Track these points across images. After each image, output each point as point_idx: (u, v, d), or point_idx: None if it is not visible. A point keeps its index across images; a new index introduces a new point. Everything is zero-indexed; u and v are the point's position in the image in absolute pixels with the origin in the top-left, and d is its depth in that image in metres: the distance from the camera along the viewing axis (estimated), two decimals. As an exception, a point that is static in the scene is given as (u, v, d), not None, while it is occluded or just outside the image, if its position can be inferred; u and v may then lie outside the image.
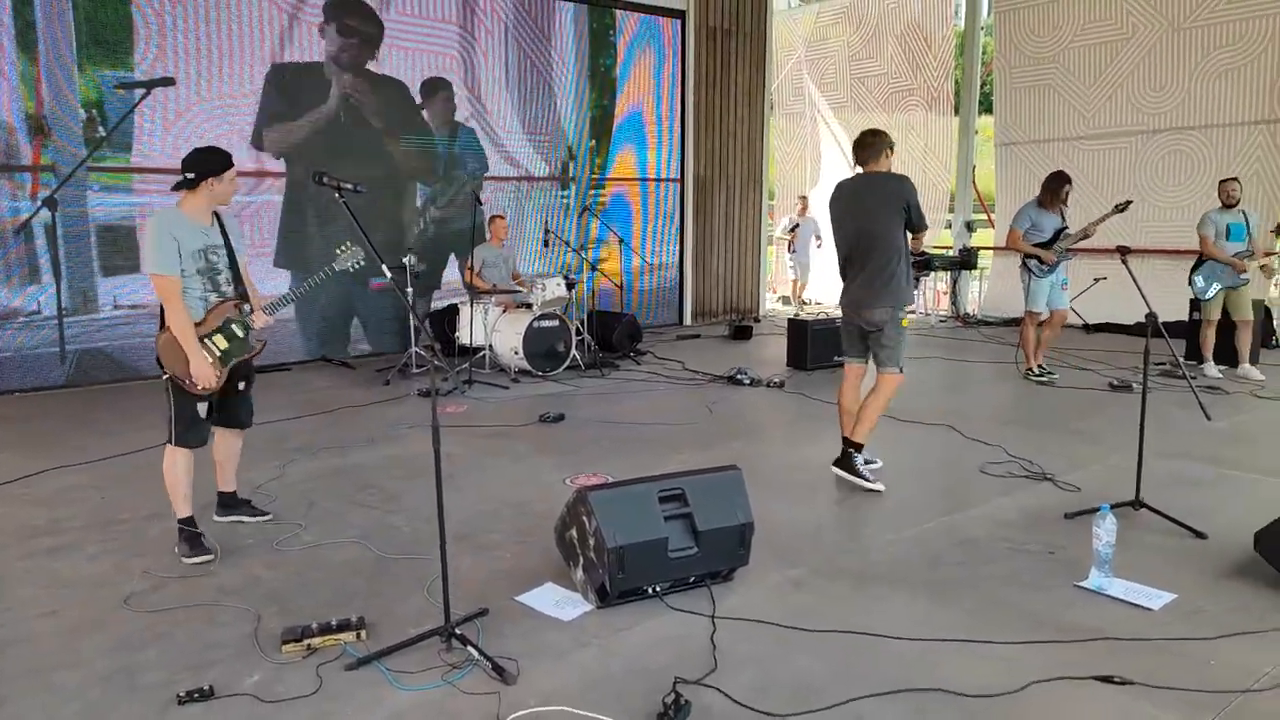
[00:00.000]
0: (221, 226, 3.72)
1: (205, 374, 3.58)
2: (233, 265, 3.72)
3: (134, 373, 7.52)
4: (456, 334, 8.18)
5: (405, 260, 7.20)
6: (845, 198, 4.69)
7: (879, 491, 4.51)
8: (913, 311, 12.35)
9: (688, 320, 11.52)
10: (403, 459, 5.21)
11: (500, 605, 3.22)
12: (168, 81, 7.52)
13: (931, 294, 12.85)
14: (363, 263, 3.87)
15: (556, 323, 7.69)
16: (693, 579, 3.30)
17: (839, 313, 4.88)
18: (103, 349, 7.44)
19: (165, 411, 3.69)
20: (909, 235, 4.57)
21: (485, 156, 9.43)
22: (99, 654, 2.90)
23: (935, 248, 12.80)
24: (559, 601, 3.25)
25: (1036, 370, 7.39)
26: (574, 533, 3.24)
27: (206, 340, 3.62)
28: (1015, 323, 7.52)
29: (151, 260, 3.51)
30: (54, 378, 7.25)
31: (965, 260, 11.84)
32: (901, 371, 4.59)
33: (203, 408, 3.69)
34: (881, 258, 4.51)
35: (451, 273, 9.24)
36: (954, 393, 7.22)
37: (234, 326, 3.69)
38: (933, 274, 12.33)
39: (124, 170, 7.44)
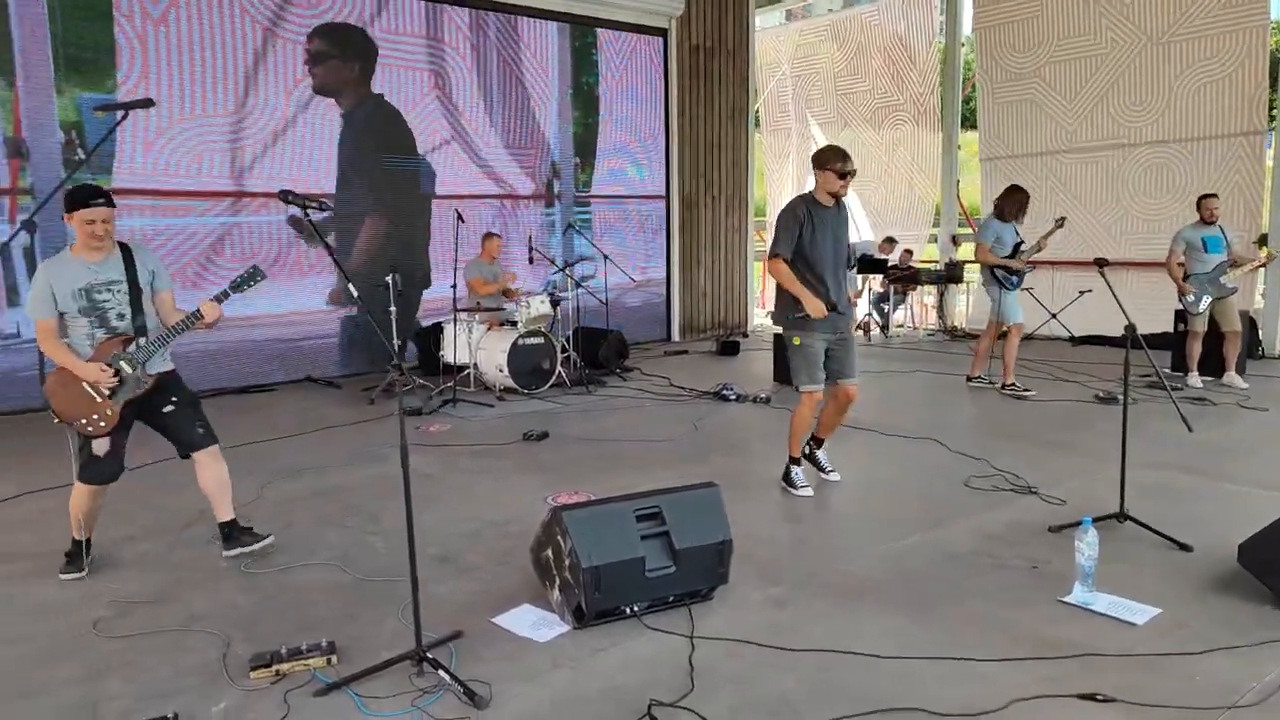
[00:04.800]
0: (128, 259, 3.60)
1: (94, 376, 3.48)
2: (134, 300, 3.60)
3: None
4: (441, 352, 8.13)
5: (388, 279, 7.16)
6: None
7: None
8: (901, 326, 12.39)
9: (675, 336, 11.50)
10: (384, 479, 5.14)
11: (477, 627, 3.16)
12: (147, 103, 7.49)
13: (918, 308, 12.86)
14: (253, 284, 3.66)
15: (541, 340, 7.65)
16: (671, 598, 3.25)
17: None
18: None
19: (70, 447, 3.68)
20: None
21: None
22: (63, 683, 2.83)
23: (922, 262, 12.83)
24: (535, 623, 3.19)
25: (1011, 384, 7.37)
26: (549, 553, 3.18)
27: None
28: (1003, 336, 7.46)
29: (28, 304, 3.58)
30: (34, 400, 7.15)
31: (951, 274, 11.87)
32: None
33: (99, 445, 3.60)
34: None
35: (438, 290, 9.21)
36: (939, 406, 7.19)
37: (122, 364, 3.56)
38: (920, 288, 12.36)
39: (104, 191, 7.39)
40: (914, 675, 2.80)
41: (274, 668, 2.83)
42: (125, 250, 3.63)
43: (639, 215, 11.09)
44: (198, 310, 3.59)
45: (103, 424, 3.56)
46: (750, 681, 2.78)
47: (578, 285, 8.66)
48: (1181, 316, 7.91)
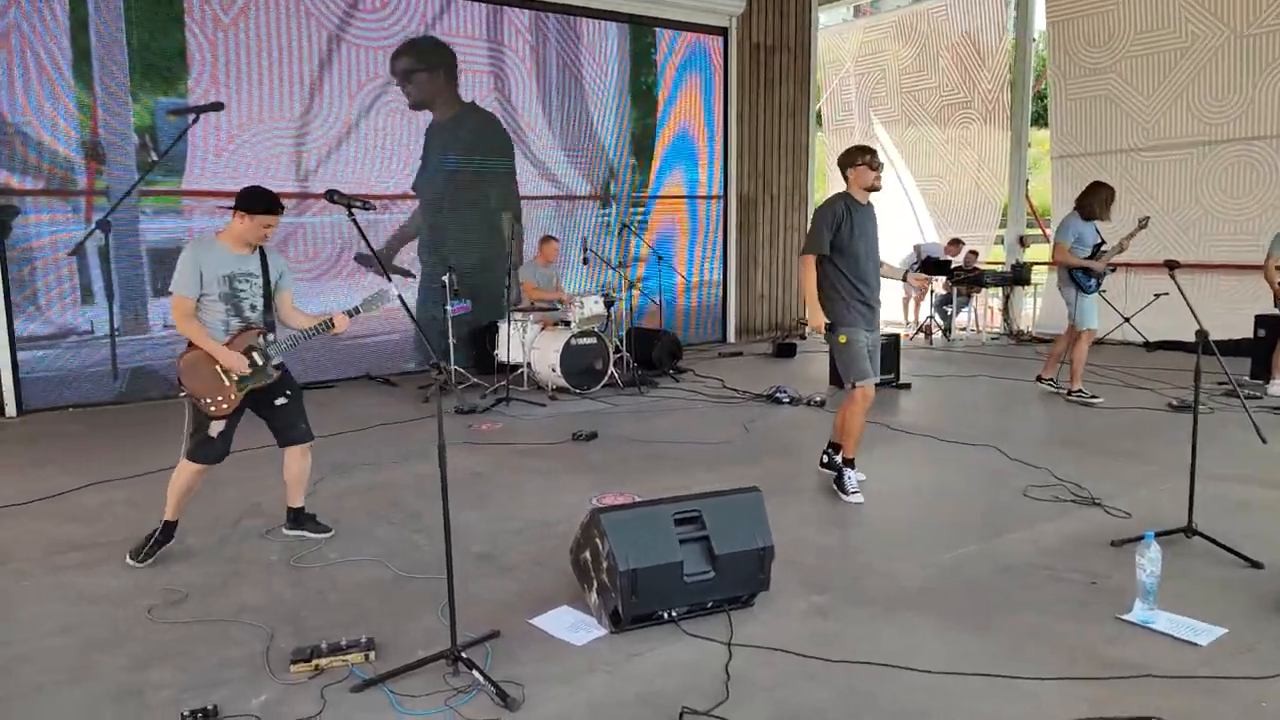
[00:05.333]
0: (263, 258, 3.83)
1: (234, 363, 3.68)
2: (266, 295, 3.82)
3: (182, 390, 7.68)
4: (495, 351, 8.20)
5: (445, 278, 7.25)
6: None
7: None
8: (964, 329, 12.08)
9: (731, 337, 11.41)
10: (433, 477, 5.14)
11: (514, 628, 3.16)
12: (217, 106, 7.71)
13: (984, 310, 12.52)
14: (381, 308, 3.91)
15: (594, 340, 7.66)
16: (711, 604, 3.20)
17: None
18: (153, 367, 7.61)
19: (184, 427, 3.81)
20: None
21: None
22: (112, 670, 2.91)
23: (988, 263, 12.49)
24: (573, 625, 3.17)
25: (1079, 390, 7.09)
26: (588, 555, 3.16)
27: None
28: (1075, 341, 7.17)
29: (173, 280, 3.70)
30: (106, 394, 7.44)
31: (1018, 276, 11.53)
32: None
33: (215, 426, 3.76)
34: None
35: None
36: (1001, 412, 6.98)
37: (254, 354, 3.78)
38: (985, 290, 12.03)
39: (174, 193, 7.63)
40: (956, 691, 2.71)
41: (313, 662, 2.86)
42: (260, 249, 3.84)
43: (695, 215, 11.03)
44: (330, 320, 3.84)
45: (225, 406, 3.73)
46: (785, 691, 2.72)
47: (631, 286, 8.65)
48: (1265, 322, 7.54)
